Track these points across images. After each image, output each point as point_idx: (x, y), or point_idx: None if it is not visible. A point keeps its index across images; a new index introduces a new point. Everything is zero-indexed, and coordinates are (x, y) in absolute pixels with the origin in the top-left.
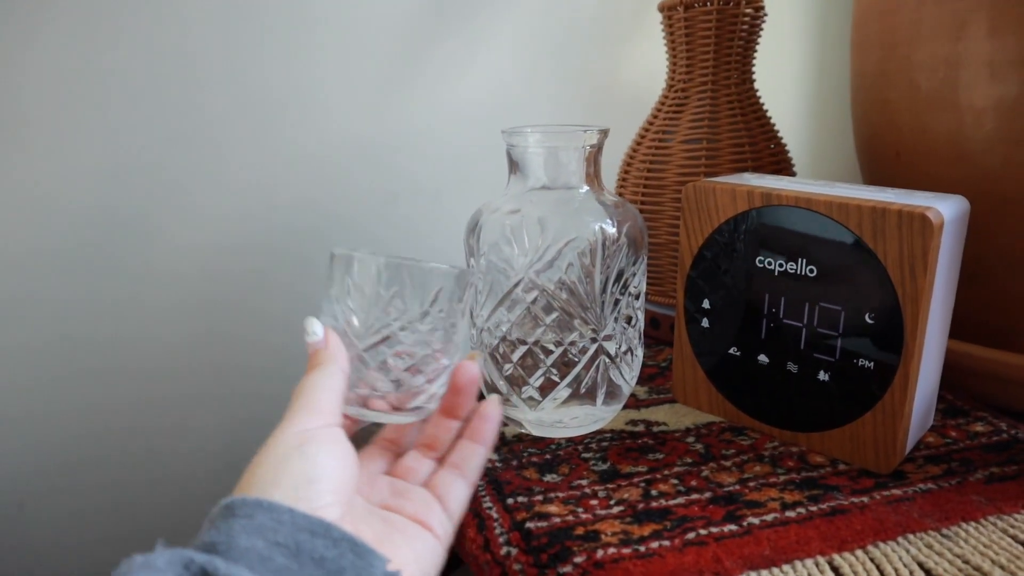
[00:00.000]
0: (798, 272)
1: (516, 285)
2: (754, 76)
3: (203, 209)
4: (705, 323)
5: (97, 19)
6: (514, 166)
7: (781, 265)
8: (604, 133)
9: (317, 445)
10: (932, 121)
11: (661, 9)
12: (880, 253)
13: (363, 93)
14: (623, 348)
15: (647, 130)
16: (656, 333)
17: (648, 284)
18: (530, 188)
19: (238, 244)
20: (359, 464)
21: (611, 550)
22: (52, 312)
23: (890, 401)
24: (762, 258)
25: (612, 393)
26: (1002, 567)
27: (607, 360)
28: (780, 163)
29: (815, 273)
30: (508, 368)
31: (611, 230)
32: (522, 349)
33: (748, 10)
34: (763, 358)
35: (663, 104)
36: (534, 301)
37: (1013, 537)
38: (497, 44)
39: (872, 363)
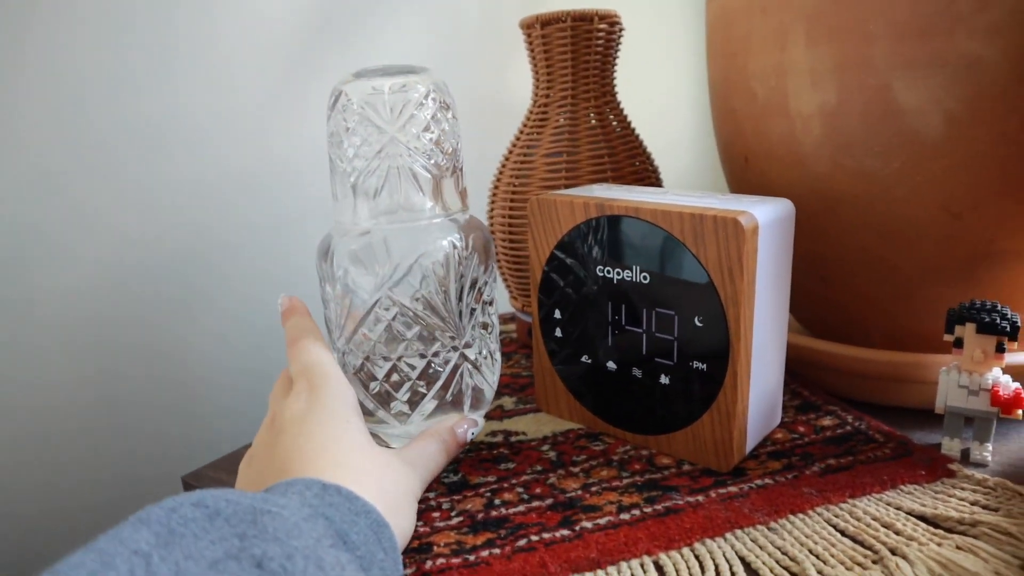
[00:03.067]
0: (634, 279)
1: (375, 304)
2: (615, 89)
3: (98, 226)
4: (558, 333)
5: None
6: (359, 190)
7: (619, 273)
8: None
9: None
10: (769, 128)
11: (521, 26)
12: (701, 258)
13: (242, 121)
14: (483, 353)
15: (514, 144)
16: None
17: (523, 297)
18: (378, 211)
19: (130, 263)
20: None
21: (440, 560)
22: None
23: (724, 401)
24: (602, 267)
25: (477, 398)
26: (817, 555)
27: (470, 367)
28: (641, 173)
29: (648, 280)
30: (375, 386)
31: (459, 243)
32: (387, 366)
33: (602, 25)
34: (611, 364)
35: (528, 119)
36: (394, 318)
37: (834, 526)
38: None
39: (704, 364)
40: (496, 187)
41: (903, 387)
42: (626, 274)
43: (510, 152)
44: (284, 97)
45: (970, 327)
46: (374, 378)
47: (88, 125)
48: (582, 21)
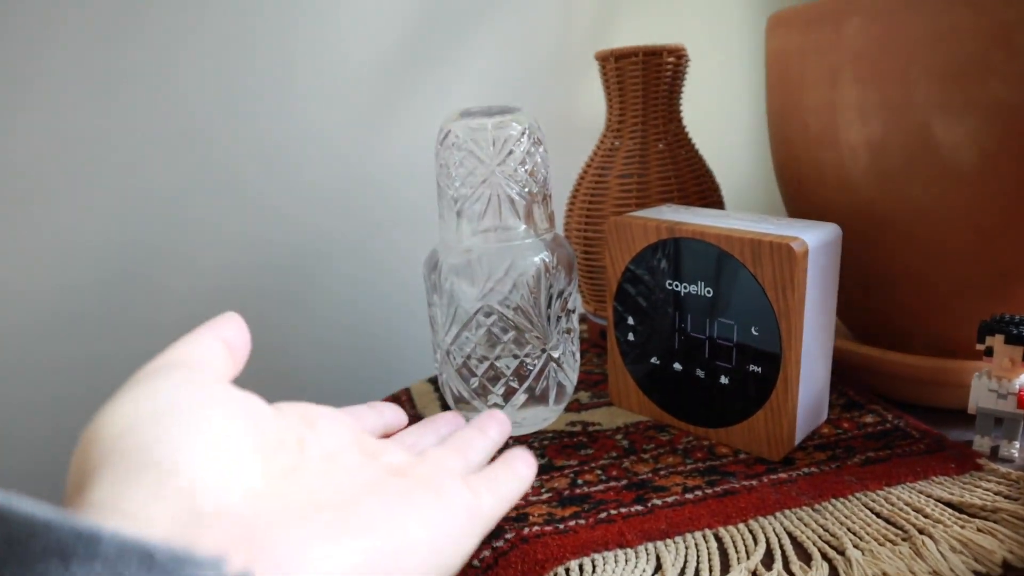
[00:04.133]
0: (698, 293)
1: (477, 312)
2: (681, 114)
3: (222, 235)
4: (631, 337)
5: (103, 76)
6: (463, 213)
7: (685, 287)
8: (534, 194)
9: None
10: (821, 157)
11: (597, 59)
12: (759, 277)
13: (347, 134)
14: (566, 354)
15: (588, 167)
16: (604, 343)
17: (596, 301)
18: (479, 231)
19: (255, 264)
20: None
21: (535, 528)
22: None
23: (776, 400)
24: (670, 281)
25: (560, 393)
26: (854, 533)
27: (555, 366)
28: (705, 193)
29: (712, 294)
30: (474, 381)
31: (548, 259)
32: (485, 364)
33: (670, 59)
34: (677, 366)
35: (602, 143)
36: (492, 323)
37: (871, 509)
38: (458, 90)
39: (760, 368)
40: (572, 204)
41: (940, 390)
42: (692, 288)
43: (585, 172)
44: (378, 121)
45: (999, 338)
46: (474, 374)
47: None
48: (652, 56)
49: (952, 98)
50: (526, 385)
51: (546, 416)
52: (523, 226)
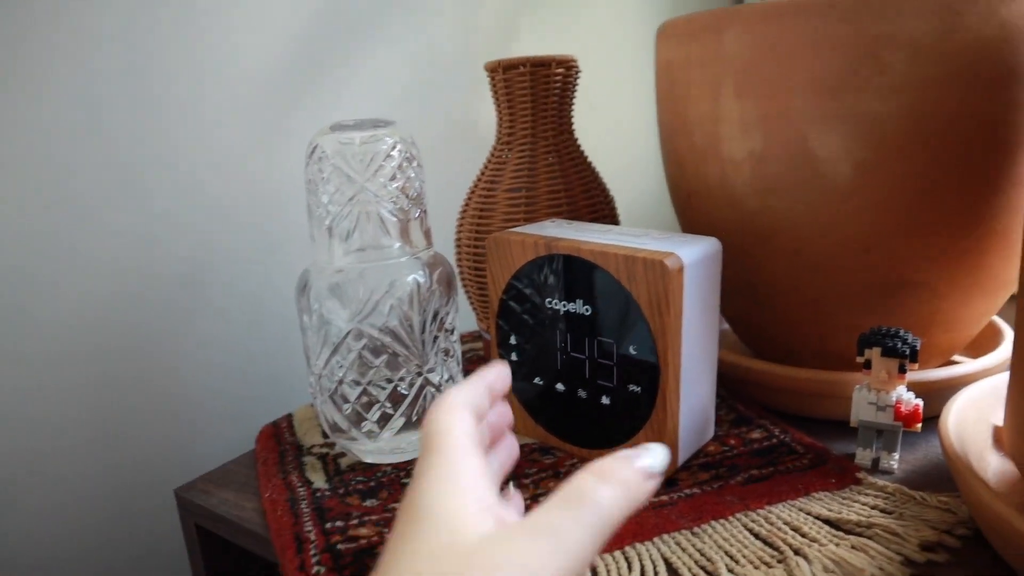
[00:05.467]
0: (578, 311)
1: (347, 335)
2: (573, 126)
3: (103, 231)
4: (515, 356)
5: None
6: (333, 232)
7: (565, 305)
8: (406, 211)
9: None
10: (707, 170)
11: (486, 70)
12: (635, 294)
13: (221, 155)
14: (445, 377)
15: (479, 180)
16: None
17: (486, 318)
18: (351, 250)
19: (140, 276)
20: None
21: None
22: None
23: (657, 420)
24: (551, 299)
25: None
26: (731, 556)
27: (433, 389)
28: (597, 207)
29: (590, 312)
30: (347, 408)
31: (423, 279)
32: (358, 389)
33: (560, 70)
34: (560, 386)
35: (492, 156)
36: (364, 347)
37: (750, 530)
38: (353, 99)
39: (639, 387)
40: (463, 218)
41: (827, 401)
42: (571, 306)
43: (475, 186)
44: (270, 131)
45: (876, 350)
46: (347, 400)
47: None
48: (540, 67)
49: (827, 110)
50: (401, 410)
51: None
52: (398, 244)
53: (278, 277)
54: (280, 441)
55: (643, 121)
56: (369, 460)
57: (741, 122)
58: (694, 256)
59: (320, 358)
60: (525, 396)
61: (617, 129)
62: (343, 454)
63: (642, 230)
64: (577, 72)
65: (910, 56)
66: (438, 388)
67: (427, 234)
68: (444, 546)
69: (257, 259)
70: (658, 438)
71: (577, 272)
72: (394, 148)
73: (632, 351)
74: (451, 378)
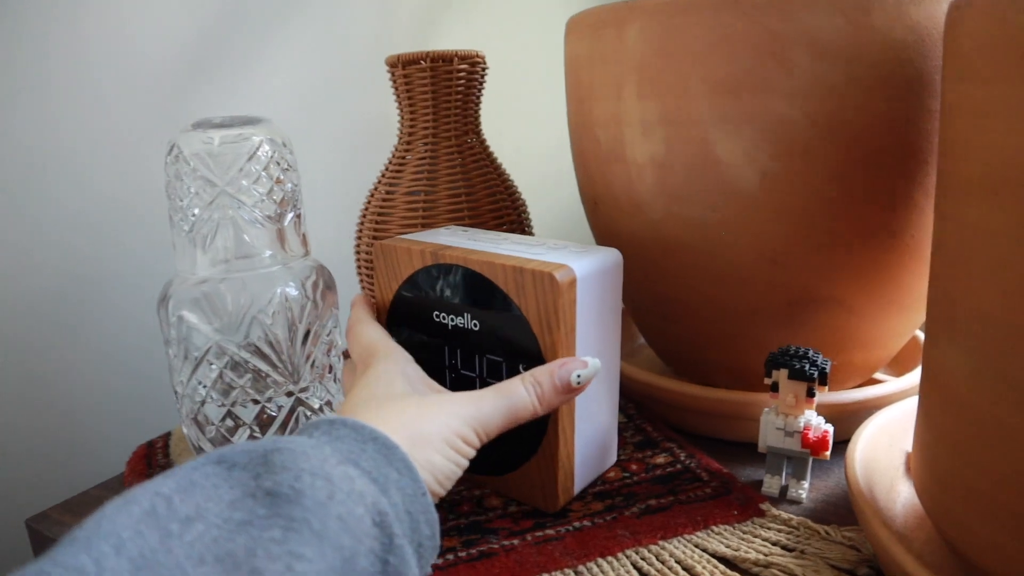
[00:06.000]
0: (466, 326)
1: (206, 352)
2: (480, 128)
3: None
4: None
5: None
6: (195, 240)
7: (453, 319)
8: (273, 217)
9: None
10: (611, 174)
11: (386, 65)
12: (523, 308)
13: (113, 150)
14: (325, 397)
15: (379, 182)
16: None
17: None
18: (216, 260)
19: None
20: None
21: None
22: None
23: (548, 446)
24: (438, 312)
25: None
26: None
27: (307, 411)
28: (503, 214)
29: (478, 327)
30: (211, 430)
31: (293, 291)
32: (222, 411)
33: (463, 66)
34: None
35: (392, 158)
36: (226, 365)
37: (639, 569)
38: (256, 94)
39: None
40: (362, 223)
41: (737, 423)
42: (459, 320)
43: (375, 189)
44: (159, 130)
45: (783, 372)
46: (210, 422)
47: None
48: (442, 62)
49: (729, 112)
50: (270, 434)
51: None
52: (268, 252)
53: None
54: (151, 464)
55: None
56: None
57: (643, 124)
58: (589, 268)
59: (181, 374)
60: None
61: (538, 133)
62: None
63: (539, 240)
64: (483, 69)
65: (815, 56)
66: (315, 411)
67: (304, 240)
68: (393, 396)
69: (135, 268)
70: (550, 464)
71: (465, 284)
72: (259, 148)
73: (522, 370)
74: (331, 395)
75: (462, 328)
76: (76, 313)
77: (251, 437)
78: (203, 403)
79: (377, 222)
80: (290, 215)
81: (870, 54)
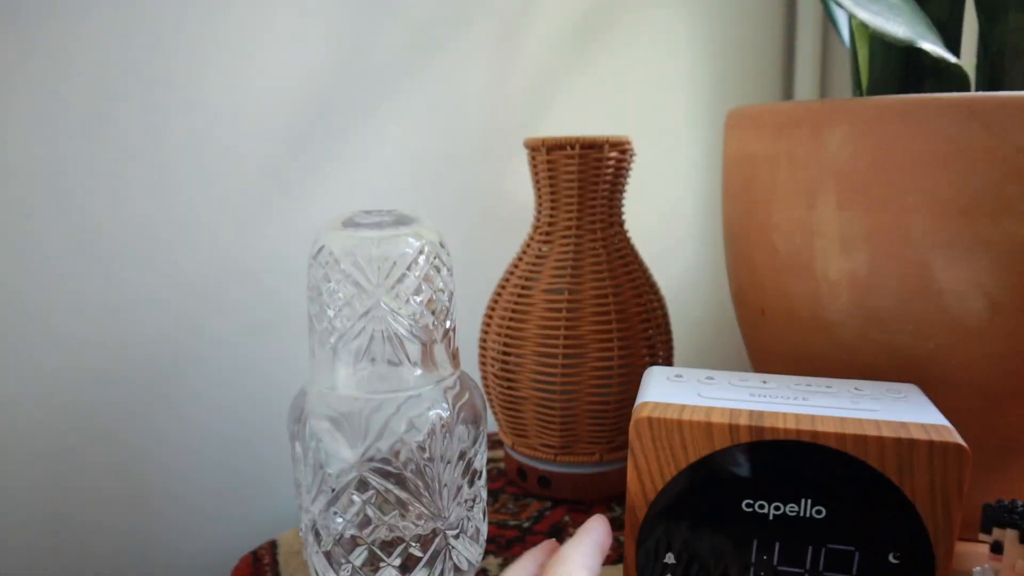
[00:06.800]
0: (800, 514)
1: (349, 484)
2: (623, 219)
3: (52, 330)
4: None
5: None
6: (339, 352)
7: (778, 508)
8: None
9: None
10: (791, 286)
11: (526, 147)
12: (907, 489)
13: (231, 216)
14: (467, 531)
15: (511, 274)
16: (524, 484)
17: (514, 435)
18: (360, 376)
19: (89, 369)
20: None
21: None
22: None
23: None
24: (750, 501)
25: None
26: None
27: (452, 548)
28: (650, 316)
29: (823, 514)
30: (346, 569)
31: (445, 415)
32: (360, 549)
33: (613, 153)
34: None
35: (528, 248)
36: (370, 499)
37: None
38: (374, 166)
39: None
40: (489, 320)
41: None
42: (789, 508)
43: (505, 283)
44: (264, 208)
45: (1012, 534)
46: (347, 559)
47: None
48: (591, 148)
49: (956, 234)
50: (414, 574)
51: None
52: (418, 371)
53: (266, 362)
54: None
55: (691, 216)
56: None
57: (841, 238)
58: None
59: (315, 503)
60: None
61: (662, 224)
62: None
63: (831, 382)
64: (632, 155)
65: None
66: (455, 546)
67: (454, 356)
68: None
69: (242, 342)
70: None
71: (804, 464)
72: (421, 253)
73: (893, 560)
74: (476, 530)
75: (793, 516)
76: (175, 385)
77: None
78: (338, 540)
79: (511, 320)
80: (443, 328)
81: None
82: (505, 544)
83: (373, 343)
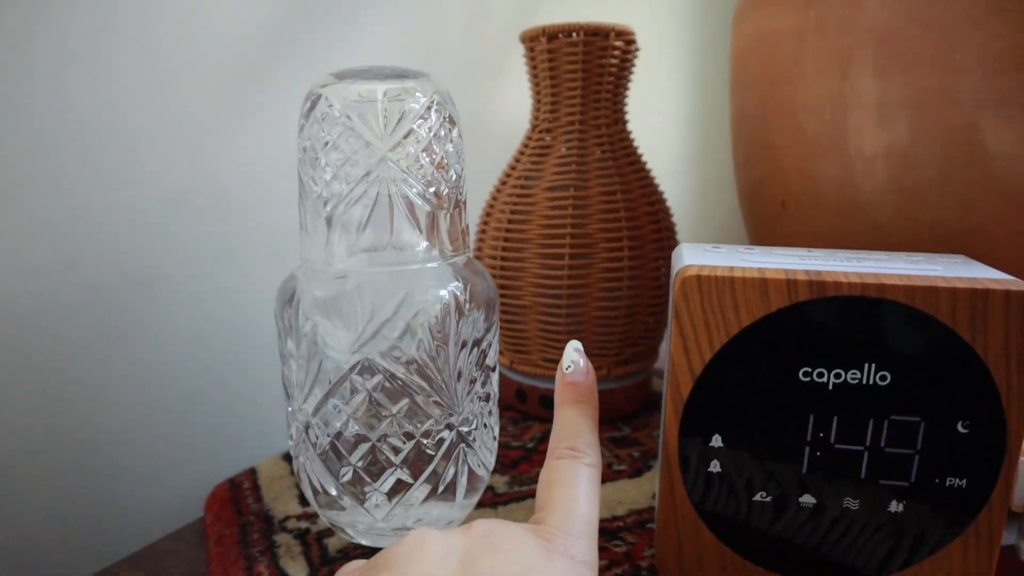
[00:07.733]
0: (863, 382)
1: (352, 369)
2: (627, 116)
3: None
4: (715, 467)
5: None
6: (336, 221)
7: (838, 376)
8: (442, 197)
9: None
10: (819, 169)
11: (523, 40)
12: (979, 347)
13: (183, 134)
14: (480, 429)
15: (508, 175)
16: (523, 407)
17: (512, 351)
18: (359, 248)
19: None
20: None
21: None
22: None
23: (986, 521)
24: (808, 369)
25: (472, 486)
26: None
27: (466, 448)
28: (658, 217)
29: (887, 380)
30: (346, 472)
31: (460, 293)
32: (364, 446)
33: (618, 42)
34: (807, 499)
35: (526, 147)
36: (376, 387)
37: None
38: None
39: (963, 481)
40: (486, 222)
41: None
42: (851, 375)
43: (502, 184)
44: (227, 105)
45: None
46: (346, 460)
47: None
48: (596, 36)
49: (1009, 91)
50: (425, 476)
51: (452, 516)
52: (424, 243)
53: (249, 278)
54: (241, 510)
55: (687, 113)
56: (365, 543)
57: (879, 107)
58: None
59: (309, 400)
60: (726, 526)
61: (659, 122)
62: (331, 531)
63: (879, 254)
64: (636, 48)
65: None
66: (471, 445)
67: (464, 233)
68: None
69: (221, 256)
70: (984, 547)
71: (869, 322)
72: (430, 108)
73: (961, 429)
74: (490, 432)
75: (855, 385)
76: (141, 305)
77: (399, 481)
78: (339, 435)
79: (511, 221)
80: (455, 197)
81: None
82: (510, 463)
83: (376, 210)
